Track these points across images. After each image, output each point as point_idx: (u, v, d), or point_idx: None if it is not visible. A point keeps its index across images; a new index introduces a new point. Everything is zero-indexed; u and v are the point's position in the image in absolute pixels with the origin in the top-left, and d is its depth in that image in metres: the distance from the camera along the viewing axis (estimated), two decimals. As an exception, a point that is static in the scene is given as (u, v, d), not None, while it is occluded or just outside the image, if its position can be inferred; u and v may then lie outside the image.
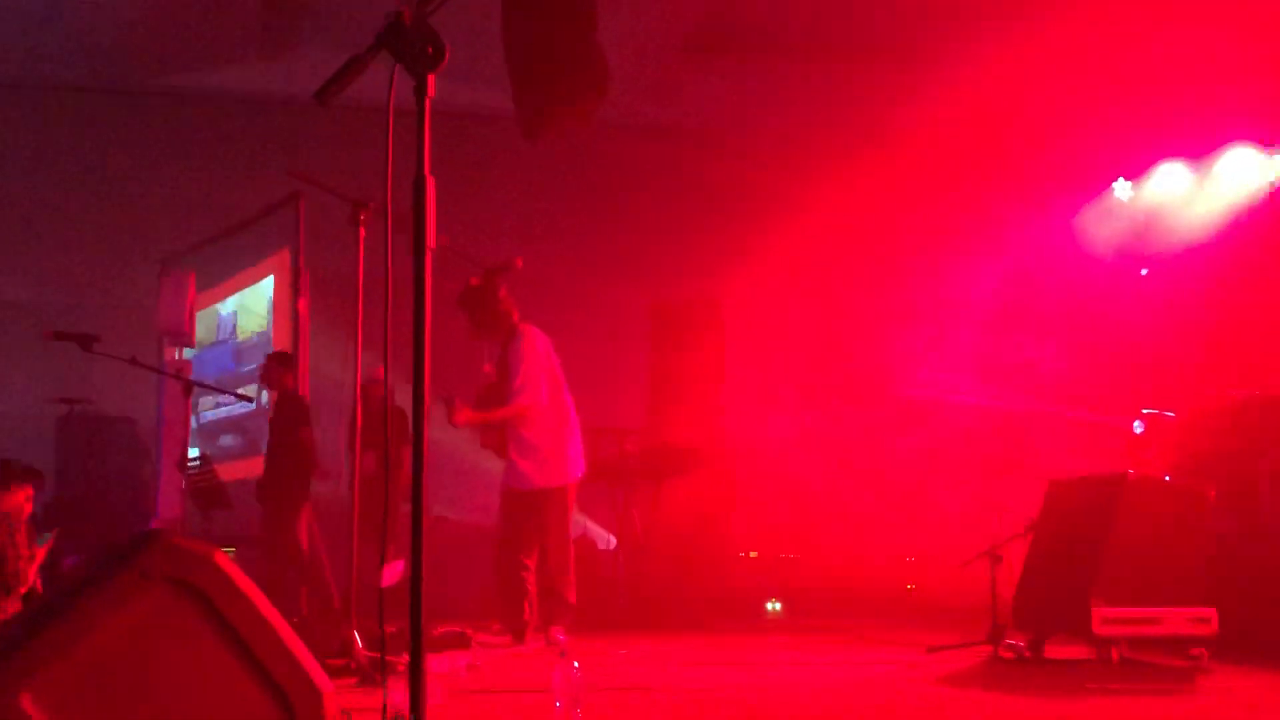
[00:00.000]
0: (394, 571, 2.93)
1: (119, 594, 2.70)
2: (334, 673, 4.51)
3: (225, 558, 2.85)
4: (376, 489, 8.07)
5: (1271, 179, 8.21)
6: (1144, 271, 9.10)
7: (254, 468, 8.92)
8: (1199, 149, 8.90)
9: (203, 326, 11.12)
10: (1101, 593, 5.43)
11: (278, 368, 8.26)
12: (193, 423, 10.74)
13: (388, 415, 3.69)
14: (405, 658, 2.57)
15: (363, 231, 5.28)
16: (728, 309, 10.07)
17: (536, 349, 6.61)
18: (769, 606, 9.18)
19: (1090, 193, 9.73)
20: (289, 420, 8.14)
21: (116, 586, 2.70)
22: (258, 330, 10.82)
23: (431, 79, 2.66)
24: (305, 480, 8.06)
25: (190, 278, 9.22)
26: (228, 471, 9.00)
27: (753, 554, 9.83)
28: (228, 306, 11.36)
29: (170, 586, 2.74)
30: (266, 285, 10.65)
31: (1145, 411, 7.21)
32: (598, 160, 11.66)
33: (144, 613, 2.71)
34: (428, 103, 2.67)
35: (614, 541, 9.43)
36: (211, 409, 11.22)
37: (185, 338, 9.37)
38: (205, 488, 8.42)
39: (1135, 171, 9.43)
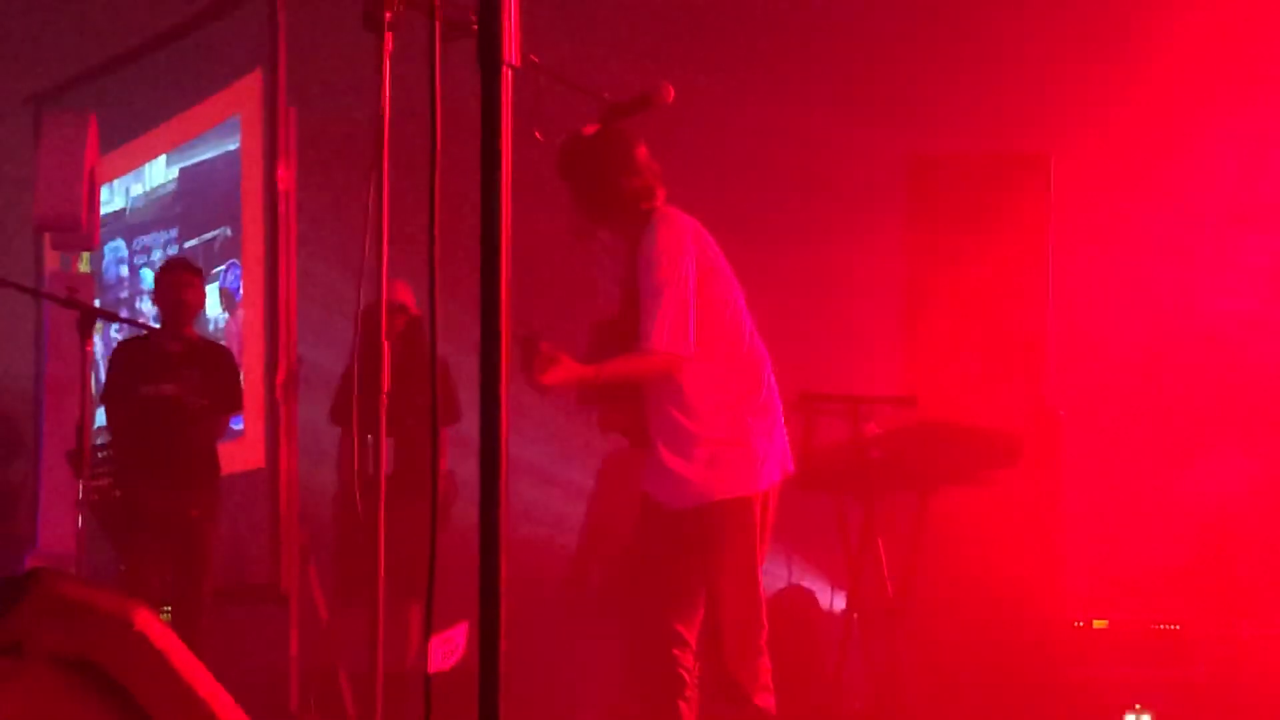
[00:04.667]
0: (449, 648, 2.95)
1: (-29, 682, 2.77)
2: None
3: (152, 620, 2.90)
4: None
5: None
6: None
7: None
8: None
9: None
10: None
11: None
12: (95, 385, 11.03)
13: (433, 370, 3.65)
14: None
15: (389, 40, 5.30)
16: (1059, 175, 9.93)
17: (685, 250, 6.54)
18: (1130, 719, 9.08)
19: None
20: None
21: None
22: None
23: None
24: None
25: (89, 126, 9.42)
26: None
27: (1099, 623, 9.74)
28: (156, 177, 11.61)
29: (59, 669, 2.80)
30: (224, 138, 10.85)
31: None
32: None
33: (14, 711, 2.77)
34: None
35: (842, 599, 9.41)
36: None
37: (81, 234, 9.59)
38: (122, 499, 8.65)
39: None
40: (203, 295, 9.09)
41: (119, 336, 10.61)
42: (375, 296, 8.30)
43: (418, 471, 8.84)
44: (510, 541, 2.69)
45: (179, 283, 8.86)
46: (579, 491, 10.91)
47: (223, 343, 10.10)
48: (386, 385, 5.35)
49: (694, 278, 6.51)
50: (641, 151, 6.65)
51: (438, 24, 3.17)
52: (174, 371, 8.80)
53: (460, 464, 9.30)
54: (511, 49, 2.73)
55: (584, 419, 9.12)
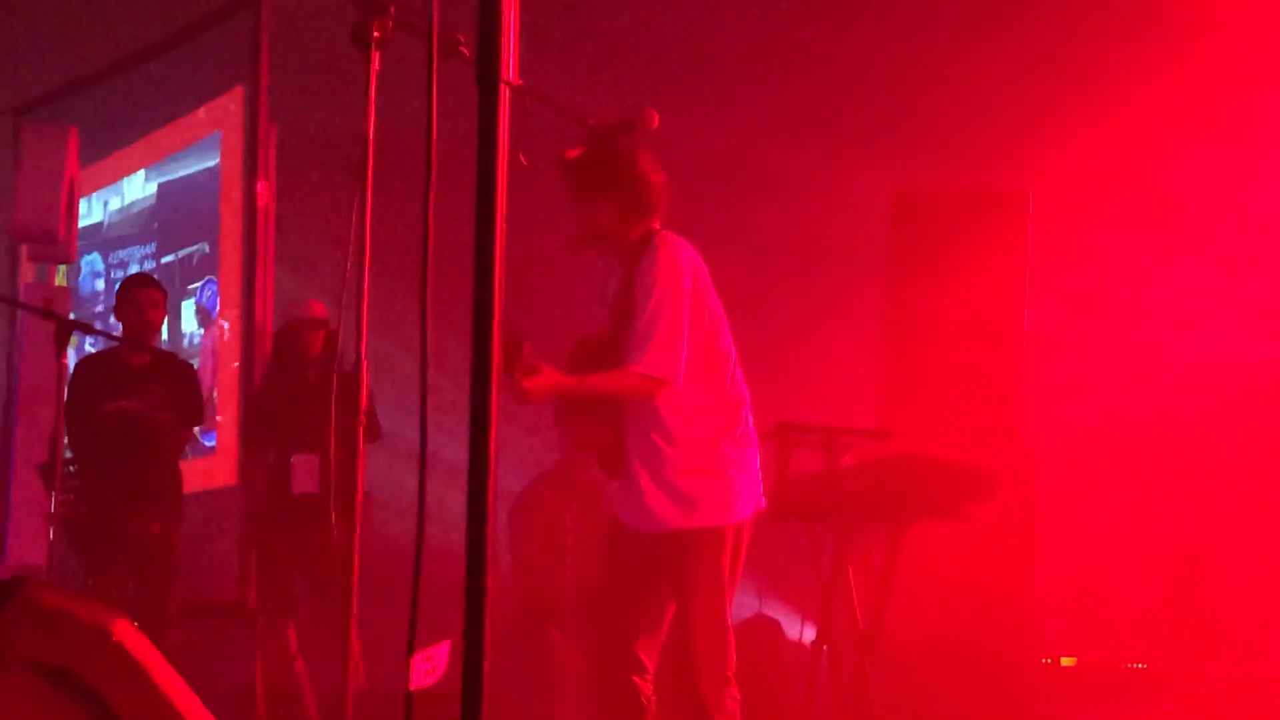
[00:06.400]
0: (431, 666, 2.93)
1: (-50, 690, 2.76)
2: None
3: (131, 631, 2.89)
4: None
5: None
6: None
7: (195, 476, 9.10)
8: None
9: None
10: None
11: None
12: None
13: (423, 382, 3.63)
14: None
15: (377, 60, 5.28)
16: (1037, 211, 9.96)
17: (683, 277, 6.54)
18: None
19: None
20: None
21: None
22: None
23: None
24: None
25: (69, 139, 9.40)
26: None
27: (1067, 660, 9.73)
28: (135, 191, 11.59)
29: (37, 678, 2.79)
30: (205, 153, 10.83)
31: None
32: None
33: (-7, 722, 2.76)
34: None
35: (811, 629, 9.40)
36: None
37: (59, 246, 9.57)
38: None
39: None
40: (164, 312, 9.03)
41: (94, 349, 10.58)
42: (293, 315, 8.35)
43: (339, 489, 8.78)
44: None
45: (144, 300, 8.77)
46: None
47: (196, 359, 10.07)
48: (365, 403, 5.33)
49: (688, 305, 6.50)
50: (652, 174, 6.64)
51: (435, 44, 3.15)
52: (136, 387, 8.73)
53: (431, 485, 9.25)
54: (510, 67, 2.72)
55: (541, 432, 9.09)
